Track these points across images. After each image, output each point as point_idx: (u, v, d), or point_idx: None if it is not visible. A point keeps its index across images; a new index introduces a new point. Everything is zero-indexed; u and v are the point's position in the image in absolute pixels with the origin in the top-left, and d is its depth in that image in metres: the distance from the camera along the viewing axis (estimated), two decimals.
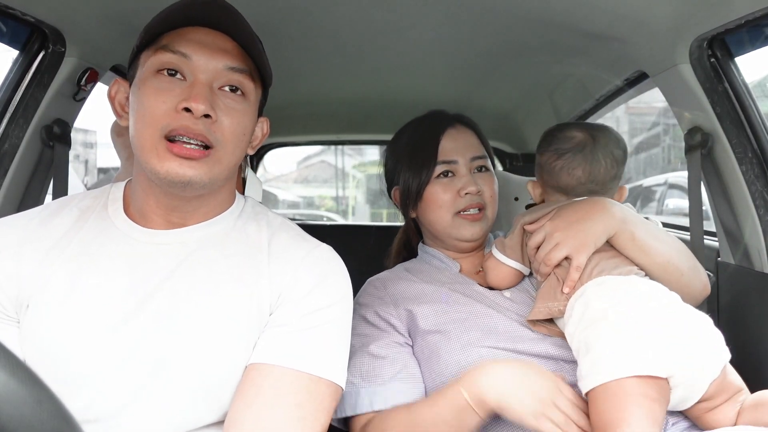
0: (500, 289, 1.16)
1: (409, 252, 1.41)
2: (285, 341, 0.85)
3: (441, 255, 1.28)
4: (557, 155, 1.15)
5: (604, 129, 1.16)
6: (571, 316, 0.97)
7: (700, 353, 0.88)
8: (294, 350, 0.85)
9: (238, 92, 0.88)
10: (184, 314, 0.85)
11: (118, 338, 0.83)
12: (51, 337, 0.83)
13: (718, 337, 0.91)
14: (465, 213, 1.22)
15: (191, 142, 0.82)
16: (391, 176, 1.34)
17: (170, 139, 0.82)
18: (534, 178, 1.26)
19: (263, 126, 1.00)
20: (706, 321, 0.92)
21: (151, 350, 0.83)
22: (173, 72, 0.85)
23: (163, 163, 0.82)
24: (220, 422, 0.86)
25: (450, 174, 1.24)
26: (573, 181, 1.13)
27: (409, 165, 1.26)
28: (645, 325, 0.88)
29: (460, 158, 1.24)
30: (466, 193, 1.22)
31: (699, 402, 0.91)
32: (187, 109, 0.82)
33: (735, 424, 0.91)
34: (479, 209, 1.23)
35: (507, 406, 0.89)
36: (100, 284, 0.86)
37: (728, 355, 0.90)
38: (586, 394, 0.89)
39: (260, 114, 0.98)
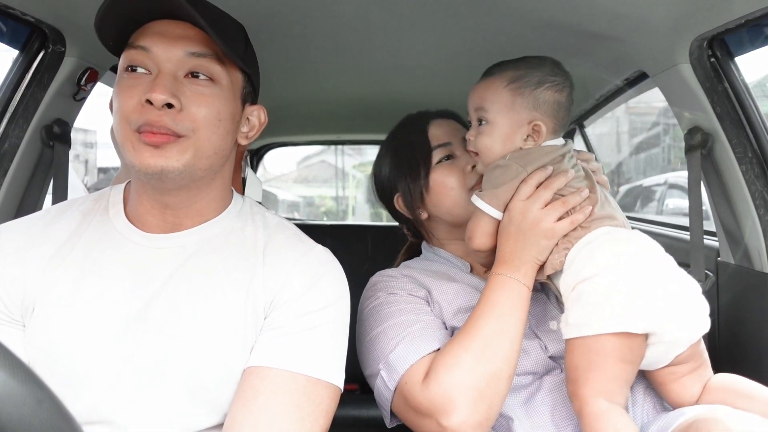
0: (487, 252, 1.07)
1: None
2: (281, 344, 0.85)
3: (449, 255, 1.24)
4: (560, 87, 1.05)
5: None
6: (573, 264, 0.96)
7: (686, 316, 0.92)
8: (290, 352, 0.85)
9: (204, 77, 0.86)
10: (183, 318, 0.85)
11: (120, 342, 0.84)
12: (55, 340, 0.84)
13: (704, 305, 0.93)
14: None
15: (157, 134, 0.82)
16: (388, 188, 1.29)
17: (140, 131, 0.82)
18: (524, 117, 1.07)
19: (259, 114, 0.97)
20: (696, 287, 0.94)
21: (151, 354, 0.84)
22: (136, 68, 0.85)
23: (137, 154, 0.82)
24: (219, 425, 0.86)
25: (449, 157, 1.20)
26: (566, 114, 1.07)
27: (406, 164, 1.23)
28: (638, 282, 0.90)
29: (453, 140, 1.22)
30: (473, 167, 1.17)
31: (668, 366, 0.96)
32: (150, 102, 0.81)
33: (697, 402, 0.96)
34: None
35: (525, 250, 0.99)
36: (103, 289, 0.86)
37: (708, 325, 0.93)
38: (567, 340, 0.94)
39: (253, 102, 0.96)
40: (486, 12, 1.29)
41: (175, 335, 0.84)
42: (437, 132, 1.22)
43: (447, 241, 1.25)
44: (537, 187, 1.01)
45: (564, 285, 0.97)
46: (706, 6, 1.13)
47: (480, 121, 1.07)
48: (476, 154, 1.10)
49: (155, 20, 0.87)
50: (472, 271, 1.22)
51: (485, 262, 1.13)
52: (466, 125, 1.27)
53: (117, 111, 0.85)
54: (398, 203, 1.26)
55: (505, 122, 1.04)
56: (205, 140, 0.85)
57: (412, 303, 1.07)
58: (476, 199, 1.05)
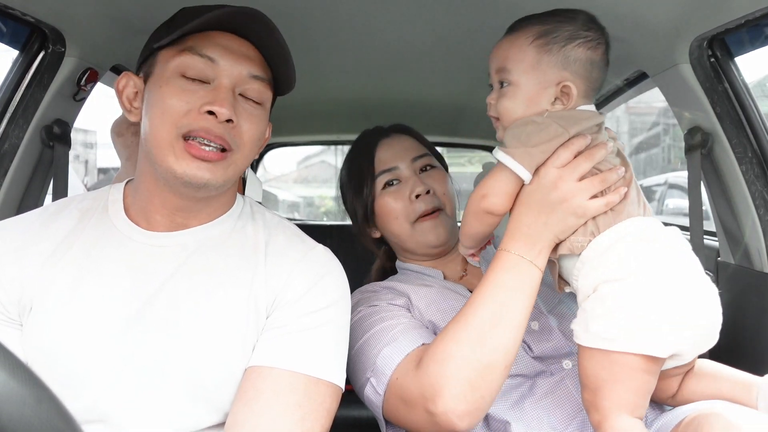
0: (500, 215, 0.93)
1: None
2: (282, 343, 0.86)
3: (420, 267, 1.25)
4: (592, 44, 0.91)
5: None
6: (600, 258, 0.85)
7: (707, 336, 0.85)
8: (292, 352, 0.85)
9: (257, 100, 0.90)
10: (184, 317, 0.85)
11: (119, 341, 0.84)
12: (54, 339, 0.84)
13: (719, 319, 0.85)
14: (423, 218, 1.19)
15: (210, 144, 0.83)
16: (348, 207, 1.32)
17: (188, 138, 0.83)
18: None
19: (267, 131, 1.01)
20: (717, 300, 0.85)
21: (151, 353, 0.84)
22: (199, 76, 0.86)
23: (180, 162, 0.83)
24: (221, 424, 0.86)
25: (395, 182, 1.22)
26: (603, 80, 0.94)
27: (355, 186, 1.25)
28: (670, 301, 0.81)
29: (400, 163, 1.23)
30: (417, 196, 1.19)
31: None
32: (210, 113, 0.83)
33: (676, 393, 0.94)
34: (434, 210, 1.20)
35: (547, 227, 0.87)
36: (102, 288, 0.86)
37: (717, 338, 0.87)
38: (585, 347, 0.85)
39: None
40: (486, 12, 1.29)
41: (175, 334, 0.84)
42: (385, 155, 1.24)
43: (411, 255, 1.27)
44: (575, 156, 0.87)
45: (585, 280, 0.87)
46: (706, 6, 1.13)
47: (501, 83, 0.95)
48: (497, 119, 0.97)
49: (219, 31, 0.88)
50: (445, 278, 1.23)
51: (460, 262, 1.11)
52: (422, 141, 1.30)
53: (161, 110, 0.84)
54: (362, 226, 1.30)
55: (530, 83, 0.91)
56: (245, 158, 0.89)
57: (391, 311, 1.07)
58: (502, 155, 0.89)
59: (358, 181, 1.25)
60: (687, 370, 0.96)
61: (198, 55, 0.86)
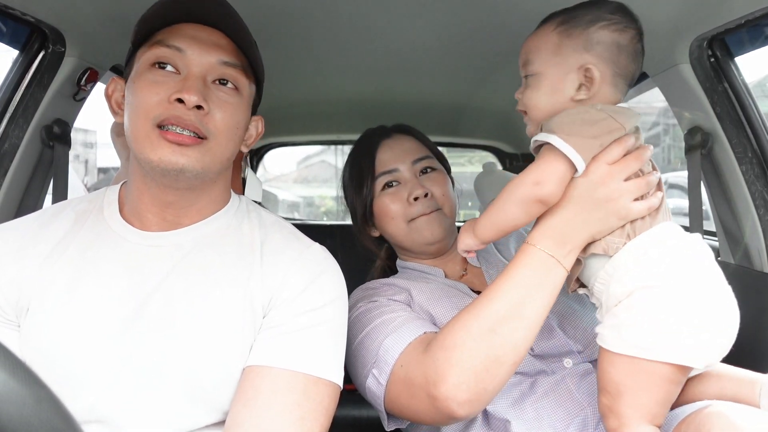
0: (549, 205, 0.86)
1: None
2: (280, 342, 0.86)
3: (420, 266, 1.26)
4: (639, 36, 0.88)
5: None
6: (637, 261, 0.82)
7: (728, 344, 0.83)
8: (289, 351, 0.85)
9: (231, 86, 0.90)
10: (181, 317, 0.85)
11: (116, 341, 0.84)
12: (51, 340, 0.84)
13: (737, 326, 0.84)
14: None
15: (184, 132, 0.84)
16: (350, 208, 1.34)
17: (162, 127, 0.83)
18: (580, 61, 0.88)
19: (258, 125, 1.01)
20: (736, 308, 0.84)
21: (148, 353, 0.84)
22: (166, 65, 0.87)
23: (156, 150, 0.83)
24: (220, 423, 0.86)
25: (395, 183, 1.23)
26: (635, 71, 0.89)
27: (356, 186, 1.26)
28: (705, 310, 0.80)
29: (400, 165, 1.24)
30: (415, 198, 1.19)
31: None
32: (180, 101, 0.83)
33: (679, 395, 0.92)
34: (432, 212, 1.20)
35: (585, 225, 0.83)
36: (99, 288, 0.86)
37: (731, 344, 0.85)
38: (608, 351, 0.83)
39: (254, 112, 0.99)
40: (486, 11, 1.29)
41: (172, 334, 0.84)
42: (386, 156, 1.25)
43: (410, 254, 1.28)
44: (625, 154, 0.84)
45: (617, 285, 0.84)
46: (706, 6, 1.13)
47: (527, 77, 0.93)
48: (525, 113, 0.94)
49: (186, 23, 0.89)
50: (446, 276, 1.23)
51: (458, 261, 1.10)
52: (424, 141, 1.30)
53: (136, 105, 0.85)
54: (362, 227, 1.31)
55: (551, 70, 0.88)
56: (223, 146, 0.88)
57: (390, 306, 1.07)
58: (560, 141, 0.82)
59: (358, 180, 1.26)
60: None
61: (166, 46, 0.87)
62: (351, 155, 1.33)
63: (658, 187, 0.86)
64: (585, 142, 0.81)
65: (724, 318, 0.81)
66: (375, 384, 0.98)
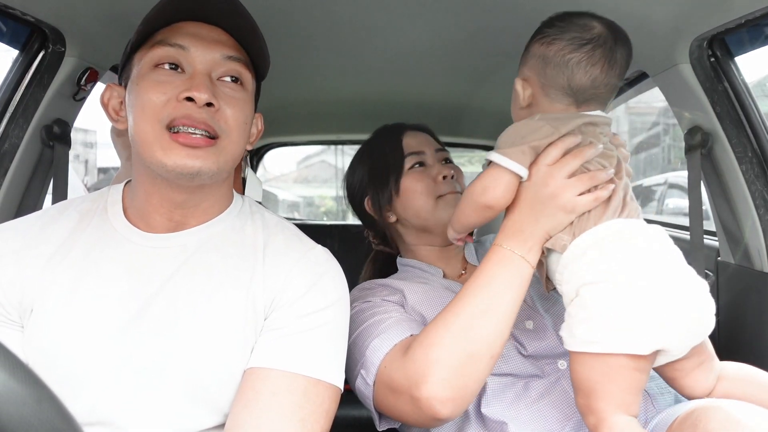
0: (498, 209, 0.96)
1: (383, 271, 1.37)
2: (281, 344, 0.85)
3: (421, 264, 1.26)
4: (574, 46, 0.92)
5: (619, 27, 0.97)
6: (576, 262, 0.89)
7: (694, 325, 0.87)
8: (290, 353, 0.85)
9: (237, 82, 0.89)
10: (183, 318, 0.85)
11: (119, 343, 0.84)
12: (54, 341, 0.84)
13: (711, 306, 0.87)
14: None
15: (196, 132, 0.83)
16: (359, 191, 1.33)
17: (172, 129, 0.83)
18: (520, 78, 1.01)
19: (257, 122, 1.00)
20: (703, 288, 0.87)
21: (150, 354, 0.83)
22: (173, 66, 0.86)
23: (169, 154, 0.82)
24: (221, 425, 0.86)
25: (421, 165, 1.25)
26: (587, 81, 0.92)
27: (379, 168, 1.27)
28: (650, 298, 0.84)
29: (426, 149, 1.27)
30: (444, 177, 1.23)
31: (674, 362, 0.91)
32: (189, 99, 0.82)
33: (712, 393, 0.94)
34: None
35: (538, 223, 0.91)
36: (102, 289, 0.86)
37: (713, 324, 0.88)
38: (573, 352, 0.88)
39: (255, 109, 0.98)
40: (486, 11, 1.29)
41: (174, 336, 0.84)
42: (411, 141, 1.28)
43: (416, 247, 1.29)
44: (565, 154, 0.91)
45: (567, 285, 0.90)
46: (706, 6, 1.13)
47: None
48: None
49: (187, 21, 0.88)
50: (445, 276, 1.24)
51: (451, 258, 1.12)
52: (438, 140, 1.34)
53: (141, 107, 0.84)
54: (368, 205, 1.31)
55: (516, 84, 0.99)
56: (235, 142, 0.88)
57: (383, 306, 1.09)
58: (497, 156, 0.92)
59: (383, 162, 1.27)
60: (701, 362, 0.94)
61: (168, 45, 0.86)
62: (370, 143, 1.34)
63: (611, 181, 0.91)
64: (518, 149, 0.90)
65: (670, 306, 0.84)
66: (363, 384, 1.00)
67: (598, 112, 0.95)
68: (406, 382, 0.90)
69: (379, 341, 0.98)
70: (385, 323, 1.02)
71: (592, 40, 0.93)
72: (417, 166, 1.25)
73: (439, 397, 0.87)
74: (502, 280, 0.91)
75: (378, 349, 0.98)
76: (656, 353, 0.86)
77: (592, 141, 0.92)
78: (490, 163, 0.94)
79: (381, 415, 1.03)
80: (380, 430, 1.06)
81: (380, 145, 1.31)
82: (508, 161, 0.91)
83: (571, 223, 0.90)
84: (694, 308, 0.86)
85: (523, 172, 0.91)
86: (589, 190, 0.89)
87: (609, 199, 0.90)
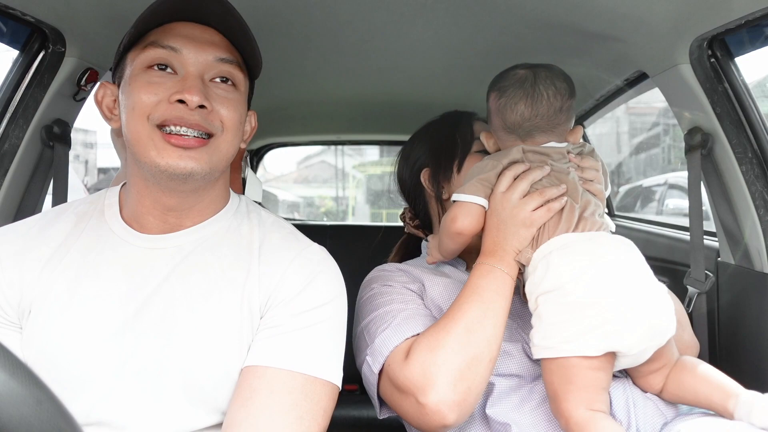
0: (469, 234, 1.08)
1: (409, 255, 1.39)
2: (278, 342, 0.85)
3: None
4: (500, 93, 1.12)
5: (547, 65, 1.13)
6: (533, 274, 0.99)
7: (649, 329, 0.93)
8: (287, 351, 0.85)
9: (229, 83, 0.90)
10: (180, 318, 0.85)
11: (117, 344, 0.84)
12: (53, 342, 0.84)
13: (668, 310, 0.94)
14: None
15: (188, 133, 0.83)
16: (418, 162, 1.31)
17: (164, 130, 0.83)
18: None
19: (251, 120, 1.01)
20: (659, 292, 0.96)
21: (148, 355, 0.84)
22: (164, 66, 0.86)
23: (162, 155, 0.82)
24: (218, 424, 0.86)
25: (485, 153, 1.22)
26: (517, 117, 1.09)
27: (446, 144, 1.26)
28: (599, 306, 0.92)
29: None
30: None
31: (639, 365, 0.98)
32: (181, 101, 0.82)
33: (662, 389, 1.01)
34: None
35: (507, 240, 1.02)
36: (100, 291, 0.86)
37: (674, 329, 0.95)
38: (539, 360, 0.97)
39: (248, 107, 0.99)
40: (486, 12, 1.29)
41: (171, 336, 0.84)
42: (481, 128, 1.27)
43: None
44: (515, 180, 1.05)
45: (529, 296, 1.00)
46: (706, 6, 1.13)
47: None
48: None
49: (179, 22, 0.88)
50: (467, 269, 1.23)
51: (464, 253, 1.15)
52: None
53: (132, 106, 0.84)
54: (424, 177, 1.29)
55: (481, 138, 1.19)
56: (229, 142, 0.88)
57: (403, 294, 1.10)
58: (456, 195, 1.09)
59: (451, 138, 1.26)
60: (659, 368, 1.00)
61: (161, 47, 0.86)
62: (438, 122, 1.33)
63: (563, 195, 1.03)
64: (471, 183, 1.08)
65: (624, 312, 0.91)
66: (368, 371, 1.02)
67: (551, 144, 1.08)
68: (412, 386, 0.93)
69: (391, 332, 1.01)
70: (402, 314, 1.04)
71: (513, 83, 1.10)
72: (482, 152, 1.23)
73: (447, 401, 0.90)
74: (490, 290, 1.00)
75: (387, 341, 1.00)
76: (612, 354, 0.93)
77: (541, 165, 1.05)
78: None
79: (382, 403, 1.05)
80: (381, 417, 1.07)
81: (451, 124, 1.30)
82: (464, 196, 1.08)
83: (534, 237, 1.02)
84: (643, 310, 0.92)
85: (478, 200, 1.06)
86: (543, 205, 1.02)
87: (562, 215, 1.01)
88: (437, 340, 0.95)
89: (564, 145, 1.09)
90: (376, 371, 1.00)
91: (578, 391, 0.91)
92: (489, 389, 1.02)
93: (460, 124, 1.28)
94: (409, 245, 1.42)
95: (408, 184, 1.35)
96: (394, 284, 1.13)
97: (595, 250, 0.97)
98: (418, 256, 1.34)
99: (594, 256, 0.96)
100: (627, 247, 1.00)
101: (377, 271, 1.22)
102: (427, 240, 1.32)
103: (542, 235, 1.01)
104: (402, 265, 1.22)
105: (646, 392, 1.02)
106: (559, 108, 1.09)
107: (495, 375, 1.03)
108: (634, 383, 1.03)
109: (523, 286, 1.03)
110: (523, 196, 1.03)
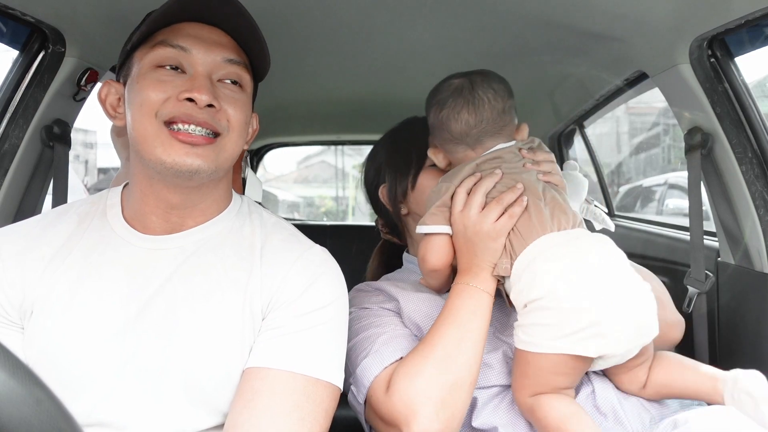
0: (444, 268, 1.07)
1: (388, 269, 1.37)
2: (280, 344, 0.85)
3: None
4: (440, 106, 1.10)
5: (480, 70, 1.11)
6: (518, 283, 0.97)
7: (634, 330, 0.92)
8: (289, 352, 0.85)
9: (237, 84, 0.90)
10: (182, 319, 0.85)
11: (118, 344, 0.84)
12: (54, 343, 0.84)
13: (651, 310, 0.94)
14: None
15: (196, 131, 0.83)
16: (376, 178, 1.32)
17: (171, 127, 0.83)
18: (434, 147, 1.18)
19: (253, 122, 1.01)
20: (643, 292, 0.94)
21: (150, 356, 0.84)
22: (174, 67, 0.87)
23: (168, 151, 0.83)
24: (220, 426, 0.86)
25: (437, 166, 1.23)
26: (462, 126, 1.07)
27: (400, 159, 1.25)
28: (589, 311, 0.91)
29: None
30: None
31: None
32: (190, 100, 0.83)
33: (646, 384, 1.00)
34: None
35: (478, 257, 1.01)
36: (102, 291, 0.86)
37: (657, 331, 0.94)
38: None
39: (252, 109, 0.99)
40: (486, 12, 1.29)
41: (172, 337, 0.84)
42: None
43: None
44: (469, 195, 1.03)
45: (516, 302, 0.99)
46: (706, 6, 1.13)
47: None
48: None
49: (188, 22, 0.89)
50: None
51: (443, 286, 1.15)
52: None
53: (140, 103, 0.85)
54: (382, 193, 1.29)
55: (429, 154, 1.17)
56: (234, 142, 0.89)
57: (380, 316, 1.09)
58: (421, 227, 1.06)
59: (405, 153, 1.25)
60: (644, 361, 1.00)
61: (170, 46, 0.86)
62: (396, 132, 1.32)
63: (522, 195, 1.01)
64: (430, 213, 1.06)
65: (609, 315, 0.91)
66: (354, 400, 1.02)
67: (500, 145, 1.07)
68: (395, 418, 0.92)
69: (368, 362, 0.99)
70: (379, 340, 1.02)
71: (451, 94, 1.08)
72: (433, 166, 1.22)
73: (431, 430, 0.89)
74: (466, 311, 0.98)
75: (367, 371, 0.98)
76: (589, 362, 0.93)
77: (491, 172, 1.03)
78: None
79: (371, 427, 1.05)
80: None
81: (405, 135, 1.29)
82: (425, 227, 1.06)
83: (505, 247, 1.00)
84: (629, 312, 0.92)
85: (440, 228, 1.04)
86: (505, 212, 1.00)
87: (531, 217, 0.99)
88: (416, 368, 0.93)
89: (513, 143, 1.08)
90: (361, 401, 0.99)
91: (532, 385, 0.94)
92: (472, 403, 1.01)
93: (414, 137, 1.25)
94: (388, 251, 1.41)
95: (371, 198, 1.35)
96: (370, 306, 1.12)
97: (576, 253, 0.96)
98: (401, 261, 1.32)
99: (576, 260, 0.95)
100: (607, 245, 0.98)
101: (354, 292, 1.20)
102: (408, 252, 1.32)
103: (517, 241, 0.99)
104: (378, 283, 1.21)
105: (627, 393, 1.01)
106: (502, 109, 1.08)
107: (477, 389, 1.02)
108: (616, 384, 1.02)
109: (507, 295, 1.02)
110: (482, 209, 1.01)
